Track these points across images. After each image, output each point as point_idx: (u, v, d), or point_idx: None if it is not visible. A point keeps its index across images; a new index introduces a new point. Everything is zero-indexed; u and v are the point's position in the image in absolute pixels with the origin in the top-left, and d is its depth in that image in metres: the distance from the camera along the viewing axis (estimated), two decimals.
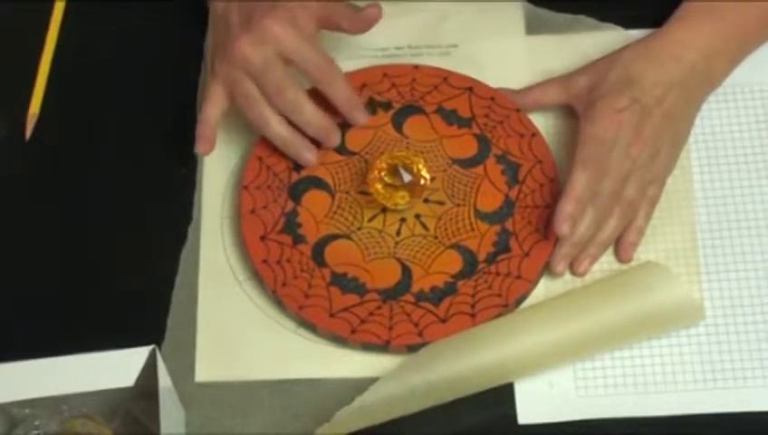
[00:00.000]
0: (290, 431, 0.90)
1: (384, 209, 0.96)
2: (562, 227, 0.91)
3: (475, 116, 1.00)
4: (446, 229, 0.96)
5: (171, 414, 0.85)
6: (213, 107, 0.96)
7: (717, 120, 1.00)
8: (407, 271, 0.94)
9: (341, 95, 0.97)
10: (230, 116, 1.02)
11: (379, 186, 0.95)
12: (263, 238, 0.95)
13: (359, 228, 0.96)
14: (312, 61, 0.95)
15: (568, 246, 0.93)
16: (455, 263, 0.94)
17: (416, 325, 0.92)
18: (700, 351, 0.91)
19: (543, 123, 1.01)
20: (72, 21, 1.08)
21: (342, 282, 0.94)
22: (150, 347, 0.84)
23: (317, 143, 0.98)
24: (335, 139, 0.98)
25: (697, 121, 0.99)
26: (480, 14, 1.06)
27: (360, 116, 0.99)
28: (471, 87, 1.01)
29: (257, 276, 0.95)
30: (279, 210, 0.97)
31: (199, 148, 0.96)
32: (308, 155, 0.97)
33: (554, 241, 0.94)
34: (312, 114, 0.96)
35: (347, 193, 0.98)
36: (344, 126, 1.00)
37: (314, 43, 0.95)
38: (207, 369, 0.93)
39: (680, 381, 0.90)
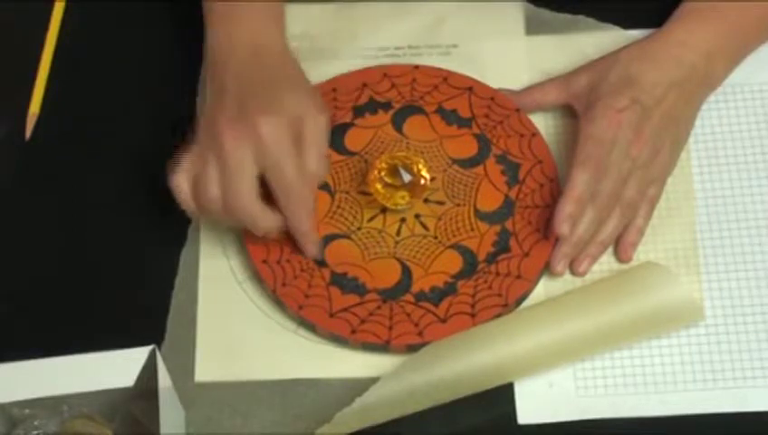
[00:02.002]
0: (290, 431, 0.90)
1: (384, 209, 0.96)
2: (562, 226, 0.91)
3: (475, 116, 1.00)
4: (446, 229, 0.96)
5: (171, 414, 0.85)
6: (182, 176, 0.91)
7: (717, 120, 1.00)
8: (407, 271, 0.94)
9: (298, 228, 0.92)
10: None
11: (378, 186, 0.95)
12: (263, 238, 0.95)
13: (359, 228, 0.96)
14: (282, 186, 0.89)
15: (568, 246, 0.93)
16: (455, 263, 0.94)
17: (416, 325, 0.92)
18: (700, 351, 0.91)
19: (543, 123, 1.01)
20: (72, 21, 1.08)
21: (342, 282, 0.94)
22: (150, 347, 0.84)
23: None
24: (309, 249, 0.94)
25: (697, 121, 0.99)
26: (480, 14, 1.06)
27: (311, 250, 0.93)
28: (471, 87, 1.01)
29: (257, 276, 0.95)
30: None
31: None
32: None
33: (554, 241, 0.94)
34: (261, 225, 0.91)
35: (347, 193, 0.98)
36: (344, 126, 1.00)
37: (306, 160, 0.90)
38: (207, 369, 0.93)
39: (680, 381, 0.90)
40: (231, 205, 0.89)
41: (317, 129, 0.91)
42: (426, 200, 0.97)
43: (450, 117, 1.00)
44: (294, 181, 0.90)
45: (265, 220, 0.91)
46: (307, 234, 0.93)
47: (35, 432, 0.85)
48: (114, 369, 0.84)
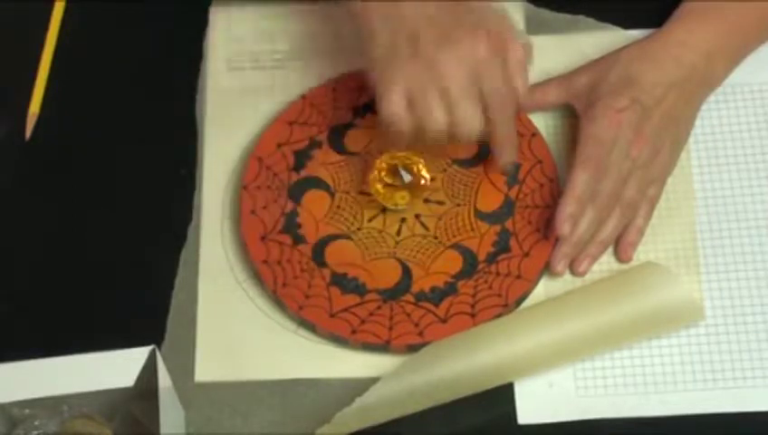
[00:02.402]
0: (290, 431, 0.90)
1: (384, 209, 0.96)
2: (563, 226, 0.91)
3: None
4: (446, 229, 0.96)
5: (171, 414, 0.85)
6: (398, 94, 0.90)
7: (717, 120, 1.00)
8: (407, 271, 0.94)
9: (502, 135, 0.93)
10: (230, 117, 1.02)
11: (379, 186, 0.95)
12: (263, 239, 0.95)
13: (359, 228, 0.96)
14: (498, 98, 0.90)
15: (568, 246, 0.93)
16: (455, 263, 0.94)
17: (416, 325, 0.92)
18: (700, 351, 0.91)
19: (543, 123, 1.01)
20: (72, 21, 1.08)
21: (342, 282, 0.94)
22: (150, 347, 0.84)
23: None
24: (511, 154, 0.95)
25: (697, 121, 0.99)
26: None
27: (508, 157, 0.95)
28: None
29: (257, 277, 0.95)
30: (279, 210, 0.97)
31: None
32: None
33: (554, 241, 0.94)
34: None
35: (347, 193, 0.98)
36: (344, 126, 1.00)
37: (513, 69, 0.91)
38: (207, 369, 0.93)
39: (680, 381, 0.90)
40: (459, 123, 0.89)
41: (521, 52, 0.91)
42: (426, 200, 0.97)
43: None
44: (508, 96, 0.90)
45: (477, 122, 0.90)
46: (512, 140, 0.94)
47: (35, 432, 0.85)
48: (114, 369, 0.84)
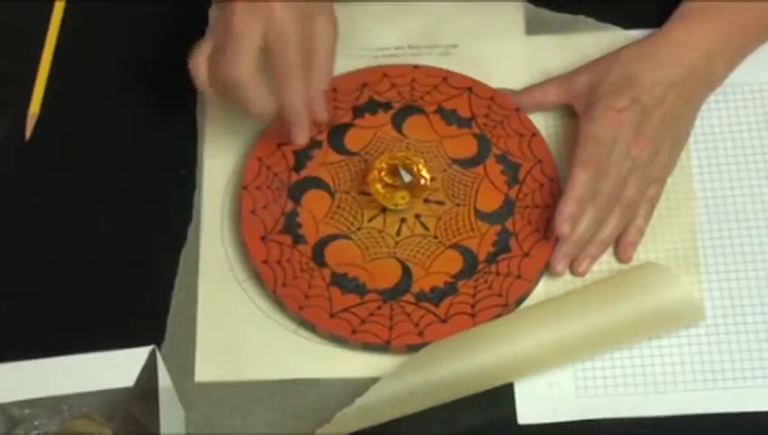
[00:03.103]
0: (290, 431, 0.90)
1: (384, 209, 0.96)
2: (563, 226, 0.91)
3: (474, 116, 1.00)
4: (446, 229, 0.96)
5: (171, 414, 0.85)
6: (199, 58, 0.94)
7: (717, 120, 1.00)
8: (407, 271, 0.94)
9: (290, 106, 0.95)
10: (230, 117, 1.02)
11: (378, 186, 0.95)
12: (263, 239, 0.95)
13: (359, 228, 0.96)
14: (281, 58, 0.92)
15: (568, 246, 0.93)
16: (455, 263, 0.94)
17: (416, 325, 0.92)
18: (700, 351, 0.91)
19: (543, 123, 1.01)
20: (72, 21, 1.08)
21: (342, 282, 0.94)
22: (150, 347, 0.84)
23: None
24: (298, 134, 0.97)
25: (697, 121, 0.99)
26: (480, 14, 1.06)
27: (299, 134, 0.97)
28: (471, 87, 1.01)
29: (257, 277, 0.95)
30: (279, 211, 0.97)
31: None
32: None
33: (554, 241, 0.94)
34: (248, 95, 0.93)
35: (347, 193, 0.98)
36: (344, 126, 1.00)
37: (315, 48, 0.94)
38: (207, 369, 0.93)
39: (680, 381, 0.90)
40: (229, 74, 0.91)
41: (329, 25, 0.94)
42: (426, 200, 0.97)
43: (450, 117, 1.00)
44: (294, 60, 0.92)
45: (259, 93, 0.92)
46: (298, 114, 0.95)
47: (35, 432, 0.85)
48: (114, 369, 0.84)
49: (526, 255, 0.94)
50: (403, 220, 0.96)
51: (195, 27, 1.05)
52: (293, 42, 0.92)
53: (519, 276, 0.93)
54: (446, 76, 1.02)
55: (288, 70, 0.92)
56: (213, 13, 1.06)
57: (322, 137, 1.00)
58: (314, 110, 0.96)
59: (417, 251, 0.95)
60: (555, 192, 0.96)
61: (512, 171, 0.98)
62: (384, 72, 1.02)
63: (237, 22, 0.91)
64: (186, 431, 0.90)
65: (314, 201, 0.97)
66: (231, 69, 0.91)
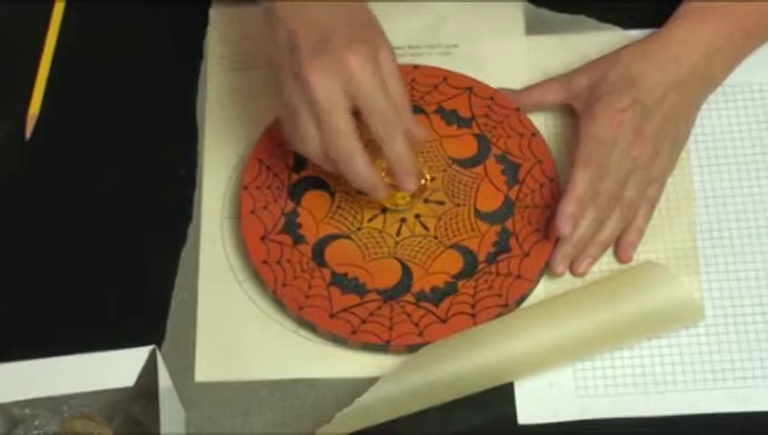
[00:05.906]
0: (290, 431, 0.90)
1: (384, 209, 0.96)
2: (564, 226, 0.91)
3: (474, 116, 1.00)
4: (446, 229, 0.96)
5: (171, 414, 0.85)
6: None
7: (717, 120, 1.00)
8: (407, 271, 0.94)
9: (399, 157, 0.89)
10: (230, 117, 1.02)
11: None
12: (263, 239, 0.95)
13: (359, 228, 0.96)
14: (379, 113, 0.87)
15: (568, 246, 0.93)
16: (455, 263, 0.94)
17: (416, 325, 0.92)
18: (700, 351, 0.91)
19: (543, 123, 1.01)
20: (72, 21, 1.08)
21: (342, 282, 0.94)
22: (150, 347, 0.84)
23: None
24: (381, 195, 0.91)
25: (697, 121, 0.99)
26: (480, 14, 1.06)
27: (408, 181, 0.90)
28: (471, 87, 1.01)
29: (257, 277, 0.95)
30: (279, 210, 0.97)
31: None
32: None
33: (554, 241, 0.94)
34: (359, 168, 0.88)
35: (347, 193, 0.97)
36: None
37: (390, 88, 0.87)
38: (207, 369, 0.93)
39: (680, 381, 0.90)
40: (330, 143, 0.87)
41: (391, 58, 0.89)
42: (426, 200, 0.97)
43: (450, 117, 1.00)
44: (389, 109, 0.87)
45: (365, 159, 0.88)
46: (407, 162, 0.89)
47: (35, 432, 0.85)
48: (114, 369, 0.84)
49: (526, 255, 0.94)
50: (403, 220, 0.96)
51: (195, 27, 1.05)
52: (382, 94, 0.87)
53: (519, 276, 0.93)
54: (446, 76, 1.02)
55: (388, 124, 0.87)
56: (213, 12, 1.06)
57: None
58: (414, 141, 0.91)
59: (418, 251, 0.95)
60: (555, 192, 0.96)
61: (512, 171, 0.98)
62: None
63: (320, 92, 0.85)
64: (186, 431, 0.90)
65: (314, 201, 0.97)
66: (332, 139, 0.86)
